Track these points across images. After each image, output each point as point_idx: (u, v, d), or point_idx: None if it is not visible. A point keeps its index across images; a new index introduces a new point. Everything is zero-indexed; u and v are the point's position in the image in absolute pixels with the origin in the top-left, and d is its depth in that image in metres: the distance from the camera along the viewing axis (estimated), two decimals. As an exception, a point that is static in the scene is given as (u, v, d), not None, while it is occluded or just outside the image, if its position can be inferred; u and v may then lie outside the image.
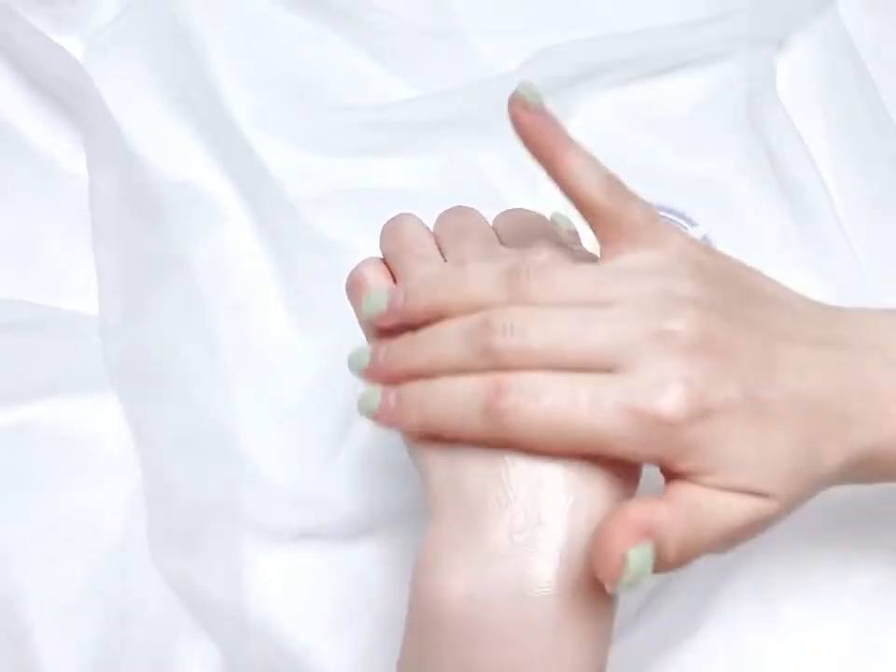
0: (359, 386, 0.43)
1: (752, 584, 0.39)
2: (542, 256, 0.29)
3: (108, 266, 0.44)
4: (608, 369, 0.25)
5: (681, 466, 0.25)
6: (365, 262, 0.33)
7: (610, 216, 0.29)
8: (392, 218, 0.33)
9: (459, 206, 0.33)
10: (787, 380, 0.26)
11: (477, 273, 0.28)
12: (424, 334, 0.28)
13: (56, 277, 0.45)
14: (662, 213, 0.48)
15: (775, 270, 0.46)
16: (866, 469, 0.28)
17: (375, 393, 0.29)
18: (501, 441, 0.26)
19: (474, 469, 0.26)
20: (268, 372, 0.43)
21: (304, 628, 0.38)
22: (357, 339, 0.44)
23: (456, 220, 0.32)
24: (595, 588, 0.24)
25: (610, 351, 0.25)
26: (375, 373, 0.29)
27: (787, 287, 0.31)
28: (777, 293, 0.30)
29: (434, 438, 0.27)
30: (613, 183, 0.30)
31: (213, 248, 0.46)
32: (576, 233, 0.33)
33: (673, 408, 0.24)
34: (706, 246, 0.29)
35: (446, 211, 0.33)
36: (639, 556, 0.23)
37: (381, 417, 0.29)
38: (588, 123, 0.51)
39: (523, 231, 0.32)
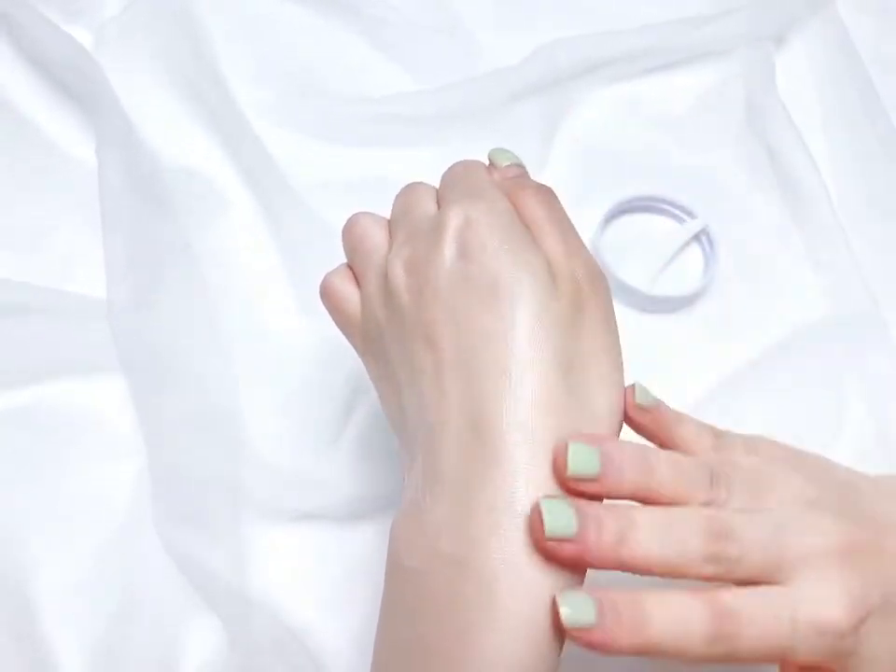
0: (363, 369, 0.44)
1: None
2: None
3: (116, 251, 0.45)
4: (777, 578, 0.26)
5: (835, 666, 0.27)
6: (332, 272, 0.33)
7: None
8: (347, 220, 0.33)
9: (412, 183, 0.33)
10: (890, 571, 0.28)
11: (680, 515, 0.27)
12: (645, 523, 0.26)
13: (65, 262, 0.46)
14: (662, 205, 0.48)
15: (771, 262, 0.47)
16: None
17: (587, 608, 0.25)
18: (717, 657, 0.26)
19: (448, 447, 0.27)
20: (271, 357, 0.44)
21: (305, 606, 0.39)
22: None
23: (402, 200, 0.32)
24: (533, 564, 0.25)
25: (790, 562, 0.26)
26: (582, 550, 0.26)
27: (852, 469, 0.32)
28: (841, 472, 0.31)
29: None
30: (718, 437, 0.31)
31: (219, 235, 0.47)
32: (520, 164, 0.32)
33: (843, 621, 0.26)
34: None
35: (399, 190, 0.33)
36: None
37: (595, 637, 0.24)
38: (589, 118, 0.52)
39: (448, 192, 0.31)
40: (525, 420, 0.26)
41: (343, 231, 0.33)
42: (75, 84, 0.49)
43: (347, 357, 0.44)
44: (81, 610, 0.39)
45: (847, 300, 0.46)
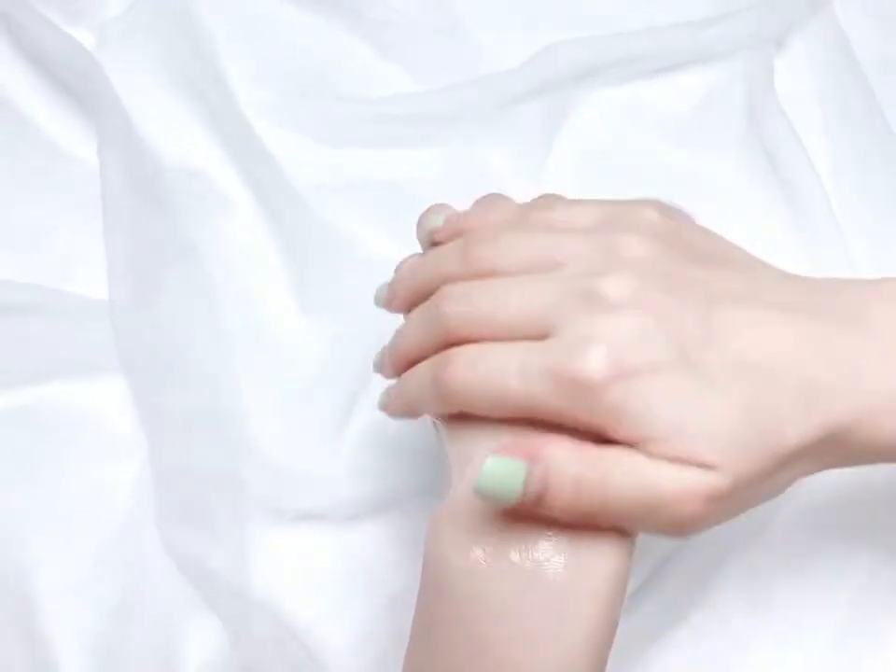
0: (366, 370, 0.44)
1: (745, 569, 0.40)
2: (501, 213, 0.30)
3: (118, 251, 0.45)
4: (545, 333, 0.25)
5: (616, 434, 0.24)
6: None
7: None
8: (427, 209, 0.33)
9: (493, 193, 0.33)
10: (732, 342, 0.24)
11: (438, 252, 0.30)
12: (406, 321, 0.31)
13: (65, 261, 0.46)
14: (661, 208, 0.48)
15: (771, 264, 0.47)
16: (842, 447, 0.25)
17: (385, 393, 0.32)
18: (449, 408, 0.27)
19: (485, 449, 0.26)
20: (272, 357, 0.44)
21: (307, 606, 0.39)
22: (361, 325, 0.44)
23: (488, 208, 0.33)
24: (599, 568, 0.24)
25: (544, 314, 0.25)
26: (382, 370, 0.33)
27: (756, 257, 0.29)
28: (742, 258, 0.28)
29: (459, 416, 0.28)
30: None
31: (220, 236, 0.47)
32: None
33: (590, 369, 0.23)
34: (673, 209, 0.29)
35: (481, 198, 0.33)
36: (499, 465, 0.24)
37: (387, 409, 0.32)
38: (590, 120, 0.52)
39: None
40: None
41: (424, 216, 0.34)
42: (75, 84, 0.49)
43: (349, 355, 0.44)
44: (81, 610, 0.39)
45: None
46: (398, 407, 0.31)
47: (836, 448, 0.25)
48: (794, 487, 0.41)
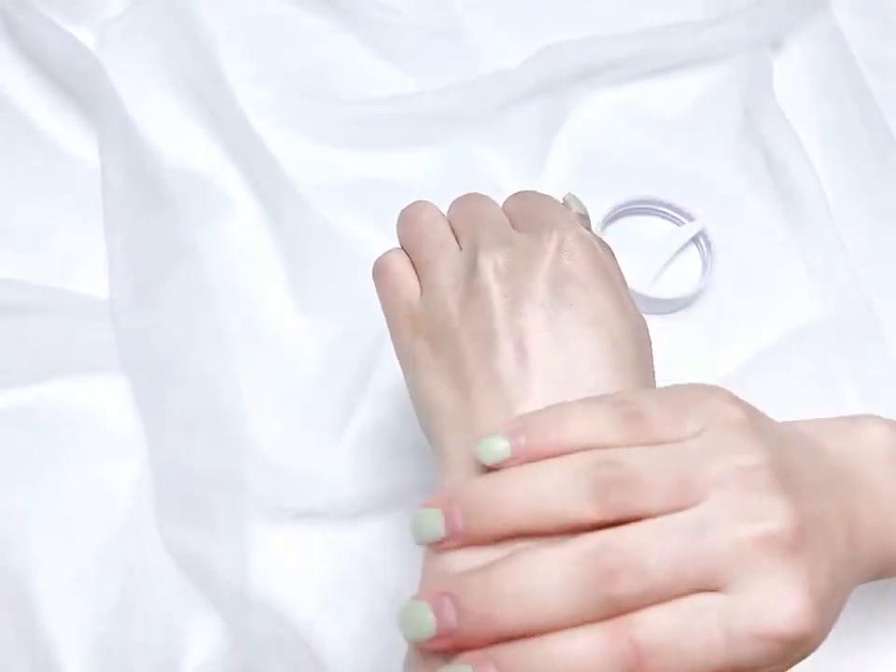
0: (366, 370, 0.44)
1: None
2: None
3: (119, 251, 0.45)
4: (719, 585, 0.23)
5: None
6: (391, 251, 0.33)
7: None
8: (408, 206, 0.33)
9: (473, 193, 0.34)
10: (834, 538, 0.26)
11: (554, 479, 0.25)
12: (508, 576, 0.23)
13: (66, 261, 0.46)
14: (660, 208, 0.49)
15: (768, 266, 0.48)
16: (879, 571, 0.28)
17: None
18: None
19: None
20: (273, 356, 0.44)
21: (307, 604, 0.39)
22: (361, 325, 0.45)
23: (470, 205, 0.33)
24: None
25: (723, 566, 0.23)
26: (446, 638, 0.23)
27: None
28: (788, 435, 0.29)
29: None
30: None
31: (220, 236, 0.47)
32: (587, 216, 0.33)
33: (803, 622, 0.23)
34: (743, 401, 0.28)
35: (460, 197, 0.33)
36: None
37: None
38: (588, 120, 0.52)
39: (536, 216, 0.32)
40: None
41: (405, 217, 0.33)
42: (76, 84, 0.50)
43: (348, 356, 0.44)
44: (82, 609, 0.39)
45: (843, 302, 0.46)
46: None
47: (878, 571, 0.28)
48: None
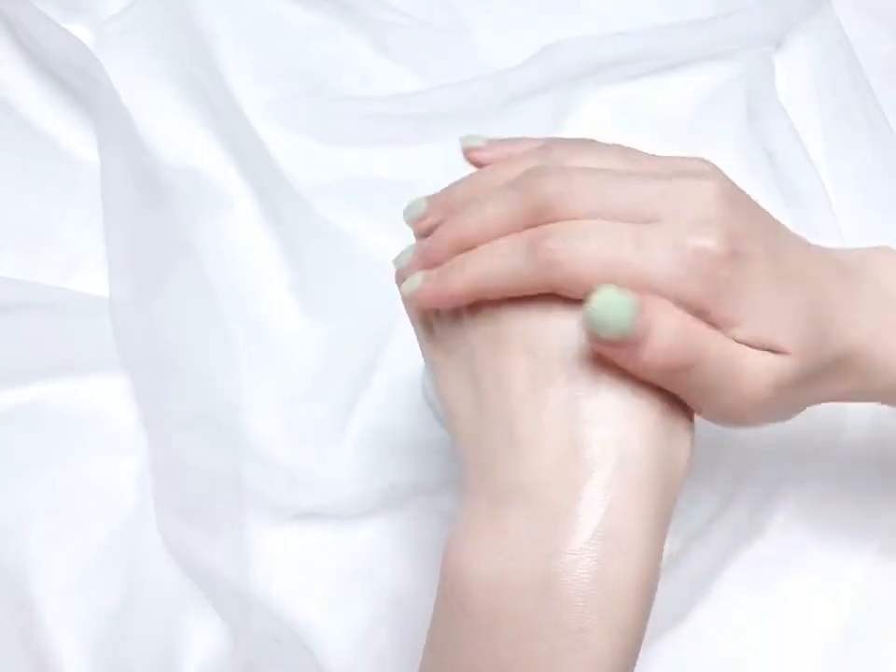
0: (366, 370, 0.44)
1: (746, 567, 0.40)
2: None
3: (119, 249, 0.45)
4: (649, 218, 0.25)
5: (716, 312, 0.25)
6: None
7: None
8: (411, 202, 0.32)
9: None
10: (794, 259, 0.27)
11: (509, 163, 0.28)
12: (467, 204, 0.28)
13: (68, 260, 0.46)
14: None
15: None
16: (855, 370, 0.28)
17: (415, 278, 0.28)
18: (550, 285, 0.26)
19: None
20: (274, 355, 0.44)
21: (307, 604, 0.39)
22: (361, 324, 0.45)
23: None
24: (625, 584, 0.24)
25: (651, 199, 0.26)
26: (423, 259, 0.29)
27: None
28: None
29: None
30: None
31: (220, 234, 0.47)
32: None
33: (715, 243, 0.25)
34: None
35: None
36: (613, 296, 0.23)
37: (425, 292, 0.28)
38: (590, 119, 0.52)
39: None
40: None
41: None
42: (76, 82, 0.49)
43: (349, 354, 0.44)
44: (83, 608, 0.39)
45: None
46: (454, 287, 0.27)
47: (852, 373, 0.28)
48: (795, 484, 0.41)
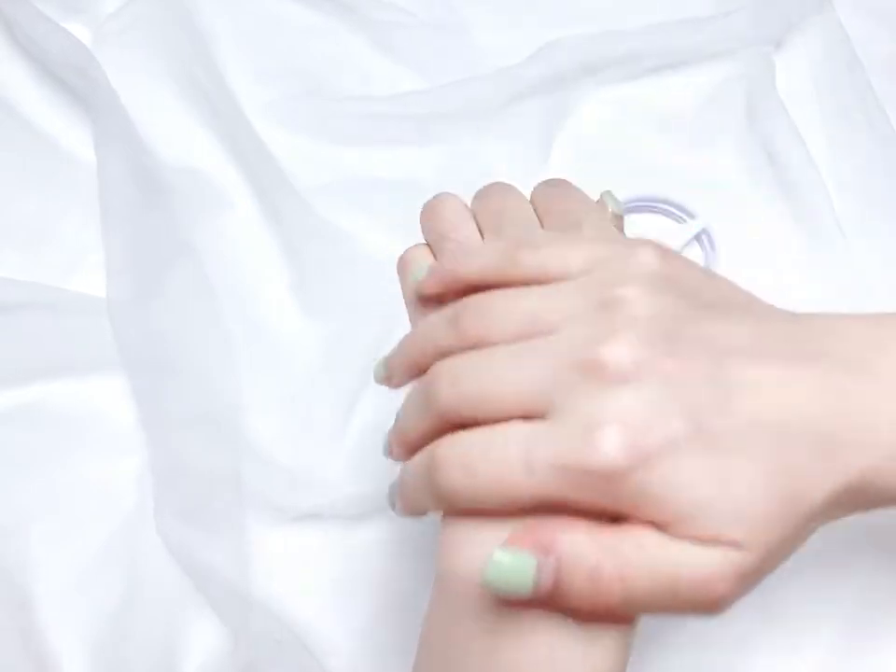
0: (366, 370, 0.44)
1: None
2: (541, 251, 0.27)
3: (117, 249, 0.45)
4: (544, 410, 0.23)
5: (638, 517, 0.22)
6: (414, 246, 0.32)
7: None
8: (432, 199, 0.32)
9: (498, 183, 0.32)
10: (746, 404, 0.23)
11: (428, 323, 0.28)
12: (404, 401, 0.28)
13: (67, 260, 0.46)
14: (662, 206, 0.48)
15: (771, 264, 0.47)
16: (863, 496, 0.24)
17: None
18: (451, 510, 0.25)
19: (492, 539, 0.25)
20: (273, 356, 0.44)
21: (307, 604, 0.39)
22: (361, 323, 0.44)
23: (497, 200, 0.31)
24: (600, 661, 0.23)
25: (543, 391, 0.23)
26: (393, 452, 0.30)
27: (756, 297, 0.27)
28: (744, 301, 0.26)
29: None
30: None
31: (220, 234, 0.46)
32: (621, 217, 0.33)
33: (605, 457, 0.22)
34: (670, 251, 0.26)
35: (486, 187, 0.32)
36: (507, 559, 0.22)
37: (396, 510, 0.29)
38: (590, 118, 0.52)
39: (569, 214, 0.30)
40: None
41: (428, 211, 0.32)
42: (74, 81, 0.49)
43: (349, 354, 0.44)
44: (83, 608, 0.39)
45: (847, 299, 0.46)
46: (403, 508, 0.28)
47: (857, 497, 0.24)
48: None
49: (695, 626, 0.39)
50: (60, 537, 0.40)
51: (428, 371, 0.26)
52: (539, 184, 0.32)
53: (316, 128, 0.50)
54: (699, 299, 0.25)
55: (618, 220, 0.32)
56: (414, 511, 0.27)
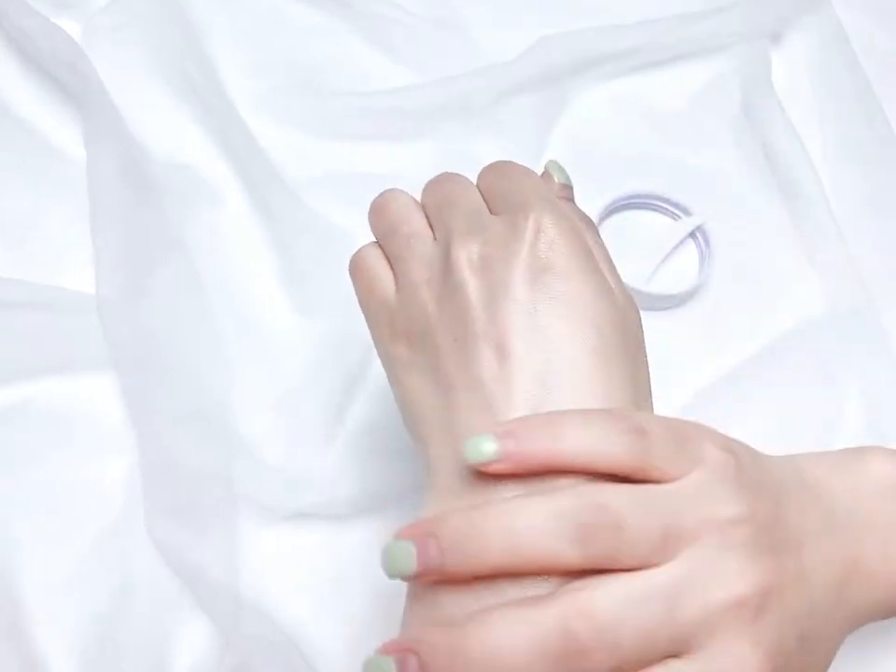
0: (358, 368, 0.43)
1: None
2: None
3: (107, 246, 0.45)
4: (686, 650, 0.23)
5: None
6: (365, 248, 0.32)
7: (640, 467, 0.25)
8: (378, 196, 0.32)
9: (446, 173, 0.32)
10: (815, 592, 0.26)
11: (537, 519, 0.24)
12: (475, 636, 0.23)
13: (56, 257, 0.46)
14: (658, 203, 0.48)
15: (767, 259, 0.47)
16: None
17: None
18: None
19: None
20: (265, 353, 0.43)
21: (298, 605, 0.38)
22: (353, 322, 0.44)
23: (443, 190, 0.31)
24: None
25: (693, 633, 0.23)
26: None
27: (791, 464, 0.29)
28: (780, 479, 0.28)
29: None
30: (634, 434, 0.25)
31: (210, 230, 0.46)
32: (570, 187, 0.32)
33: None
34: (736, 448, 0.27)
35: (432, 180, 0.32)
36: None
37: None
38: (585, 114, 0.51)
39: (511, 195, 0.30)
40: None
41: (375, 208, 0.32)
42: (64, 76, 0.49)
43: (341, 352, 0.44)
44: (71, 610, 0.38)
45: (844, 297, 0.46)
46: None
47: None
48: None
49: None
50: (49, 536, 0.39)
51: (558, 627, 0.22)
52: (484, 168, 0.32)
53: (308, 123, 0.49)
54: (776, 493, 0.26)
55: (566, 191, 0.32)
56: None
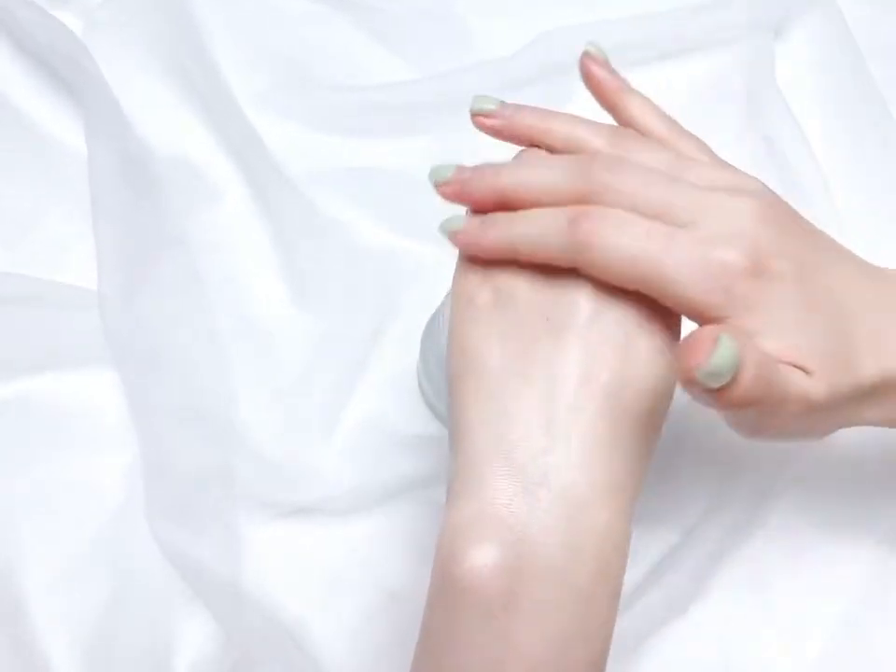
0: (358, 364, 0.43)
1: (745, 563, 0.39)
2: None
3: (107, 241, 0.45)
4: (683, 223, 0.26)
5: (735, 322, 0.25)
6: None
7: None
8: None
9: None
10: (830, 281, 0.27)
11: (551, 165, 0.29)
12: (523, 157, 0.30)
13: (56, 252, 0.46)
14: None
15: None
16: (894, 399, 0.28)
17: (460, 217, 0.29)
18: (576, 263, 0.26)
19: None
20: (265, 348, 0.43)
21: (298, 600, 0.38)
22: (353, 317, 0.44)
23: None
24: (617, 549, 0.25)
25: (689, 206, 0.27)
26: (458, 192, 0.30)
27: None
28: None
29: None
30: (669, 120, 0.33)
31: (210, 224, 0.46)
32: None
33: (736, 257, 0.25)
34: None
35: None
36: (728, 346, 0.23)
37: (462, 236, 0.29)
38: (586, 108, 0.51)
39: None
40: None
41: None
42: (64, 70, 0.49)
43: (341, 348, 0.44)
44: (71, 607, 0.38)
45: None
46: (491, 237, 0.28)
47: (891, 397, 0.28)
48: (793, 480, 0.41)
49: (693, 620, 0.39)
50: (48, 533, 0.39)
51: (586, 155, 0.29)
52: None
53: (309, 118, 0.49)
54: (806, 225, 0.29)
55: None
56: (507, 252, 0.28)
